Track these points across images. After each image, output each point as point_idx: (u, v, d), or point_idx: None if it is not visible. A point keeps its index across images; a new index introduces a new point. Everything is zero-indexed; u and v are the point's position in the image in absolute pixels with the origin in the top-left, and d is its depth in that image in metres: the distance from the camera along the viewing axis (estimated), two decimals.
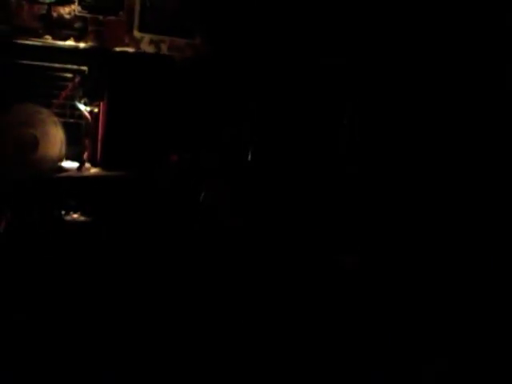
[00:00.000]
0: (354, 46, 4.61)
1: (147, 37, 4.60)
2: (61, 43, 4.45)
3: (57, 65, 4.45)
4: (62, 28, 4.47)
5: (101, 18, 4.52)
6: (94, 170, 4.40)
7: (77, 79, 4.46)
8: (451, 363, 3.17)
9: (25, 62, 4.37)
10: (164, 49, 4.64)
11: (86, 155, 4.43)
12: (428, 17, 4.37)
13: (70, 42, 4.46)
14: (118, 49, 4.53)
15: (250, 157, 4.62)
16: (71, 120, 4.48)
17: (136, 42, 4.60)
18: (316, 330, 3.38)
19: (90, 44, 4.49)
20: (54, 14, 4.46)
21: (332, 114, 4.70)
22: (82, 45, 4.47)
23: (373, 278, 3.97)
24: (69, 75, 4.47)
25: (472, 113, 4.22)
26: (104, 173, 4.38)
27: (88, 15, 4.50)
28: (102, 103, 4.47)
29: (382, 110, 4.57)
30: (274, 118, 4.73)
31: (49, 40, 4.43)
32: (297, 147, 4.69)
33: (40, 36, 4.42)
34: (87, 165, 4.41)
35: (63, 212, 4.20)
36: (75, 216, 4.21)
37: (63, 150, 4.29)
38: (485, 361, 3.22)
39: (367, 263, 4.11)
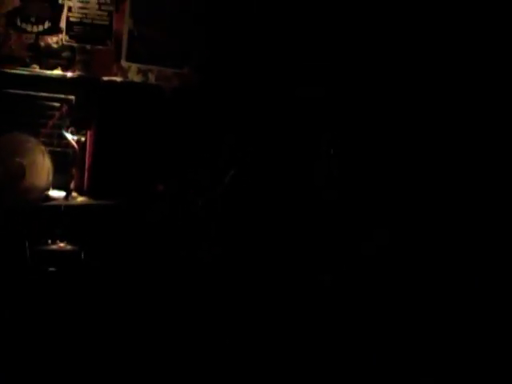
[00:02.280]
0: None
1: (135, 66, 4.63)
2: (48, 72, 4.48)
3: (44, 94, 4.46)
4: (49, 57, 4.50)
5: (88, 47, 4.56)
6: (80, 199, 4.39)
7: (64, 108, 4.48)
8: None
9: (12, 91, 4.38)
10: (152, 78, 4.68)
11: (73, 184, 4.42)
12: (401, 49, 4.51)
13: (58, 71, 4.49)
14: (105, 78, 4.56)
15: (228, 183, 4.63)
16: (58, 149, 4.48)
17: (124, 72, 4.63)
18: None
19: (77, 73, 4.51)
20: (42, 44, 4.50)
21: (310, 143, 4.77)
22: (69, 74, 4.50)
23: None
24: (56, 104, 4.48)
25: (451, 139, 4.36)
26: (91, 202, 4.38)
27: (76, 44, 4.54)
28: (89, 132, 4.48)
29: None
30: (255, 147, 4.77)
31: (36, 69, 4.45)
32: (277, 174, 4.73)
33: (27, 65, 4.44)
34: (74, 194, 4.40)
35: (49, 241, 4.19)
36: (62, 245, 4.20)
37: (50, 179, 4.28)
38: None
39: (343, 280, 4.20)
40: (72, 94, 4.49)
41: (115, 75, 4.60)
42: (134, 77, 4.64)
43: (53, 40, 4.51)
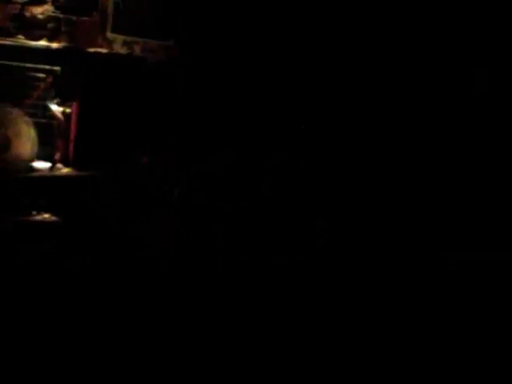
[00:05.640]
0: None
1: (120, 38, 4.62)
2: (33, 43, 4.45)
3: (29, 65, 4.45)
4: (34, 28, 4.47)
5: (74, 18, 4.54)
6: (65, 170, 4.42)
7: (49, 79, 4.47)
8: None
9: None
10: (137, 50, 4.67)
11: (57, 155, 4.45)
12: None
13: (43, 42, 4.47)
14: (91, 49, 4.54)
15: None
16: (43, 120, 4.49)
17: (109, 43, 4.62)
18: None
19: (62, 44, 4.50)
20: (27, 14, 4.47)
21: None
22: (54, 45, 4.48)
23: None
24: (41, 75, 4.48)
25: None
26: (75, 173, 4.40)
27: (61, 15, 4.52)
28: (74, 103, 4.48)
29: None
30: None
31: (21, 40, 4.43)
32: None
33: (12, 35, 4.42)
34: (59, 165, 4.43)
35: (34, 212, 4.21)
36: (46, 216, 4.22)
37: (35, 150, 4.31)
38: None
39: None
40: (57, 65, 4.47)
41: (100, 47, 4.59)
42: (120, 48, 4.63)
43: (38, 10, 4.48)
